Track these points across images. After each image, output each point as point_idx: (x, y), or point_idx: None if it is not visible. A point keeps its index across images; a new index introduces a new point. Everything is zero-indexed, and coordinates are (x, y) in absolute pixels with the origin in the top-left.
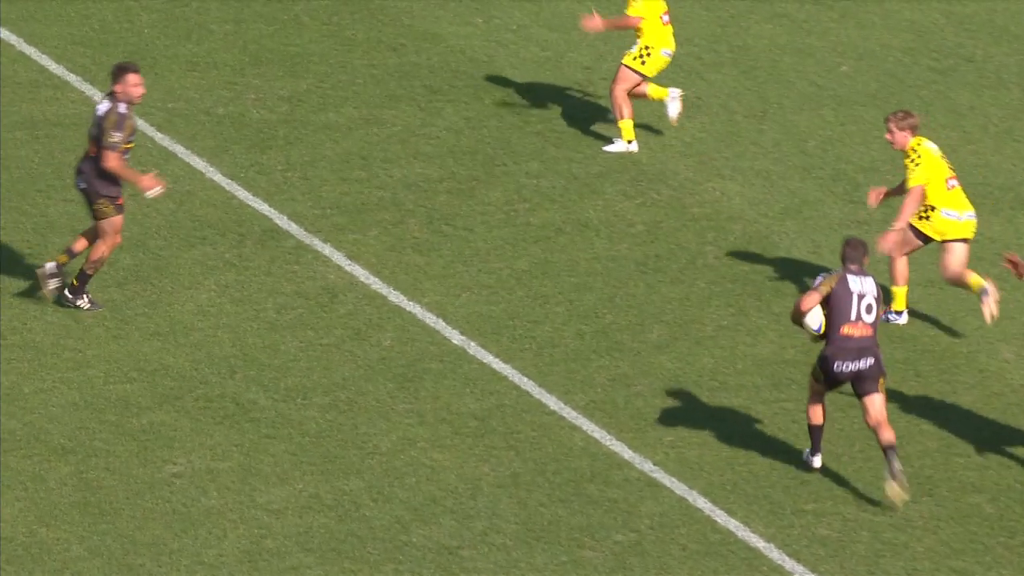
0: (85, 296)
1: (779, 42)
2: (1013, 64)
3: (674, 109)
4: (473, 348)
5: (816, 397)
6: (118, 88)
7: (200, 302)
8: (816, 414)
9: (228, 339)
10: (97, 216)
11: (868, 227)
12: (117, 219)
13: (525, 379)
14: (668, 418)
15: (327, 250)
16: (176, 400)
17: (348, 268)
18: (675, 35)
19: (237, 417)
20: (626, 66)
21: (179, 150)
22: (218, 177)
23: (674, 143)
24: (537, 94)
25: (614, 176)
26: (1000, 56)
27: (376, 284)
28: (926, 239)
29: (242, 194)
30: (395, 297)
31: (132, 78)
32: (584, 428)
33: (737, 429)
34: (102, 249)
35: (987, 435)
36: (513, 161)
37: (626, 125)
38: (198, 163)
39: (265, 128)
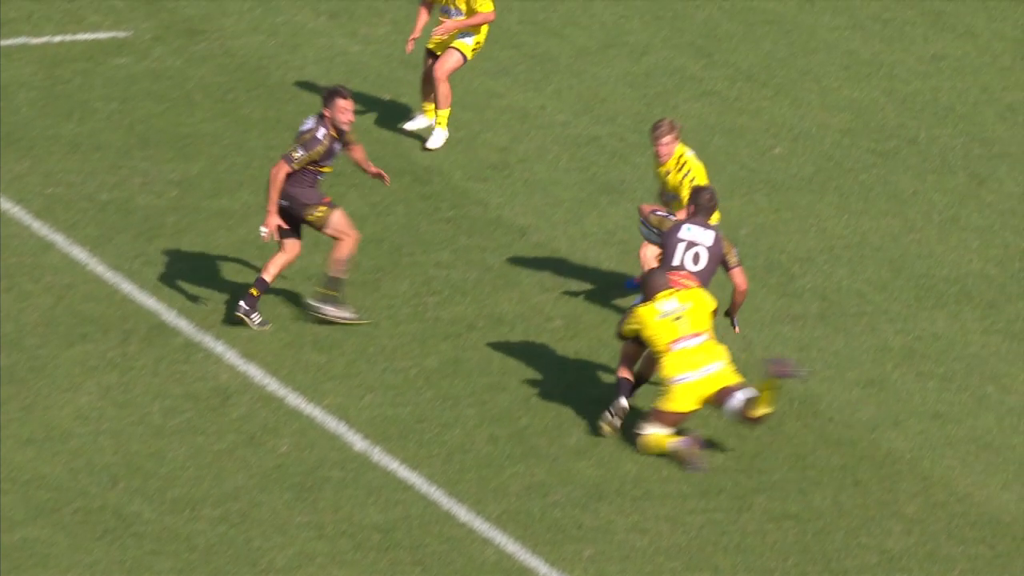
0: (333, 306)
1: (708, 122)
2: (959, 146)
3: (435, 141)
4: (377, 454)
5: (627, 360)
6: (326, 112)
7: (80, 406)
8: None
9: (110, 446)
10: (318, 226)
11: (804, 321)
12: (337, 215)
13: (433, 488)
14: (588, 530)
15: (219, 348)
16: (52, 513)
17: (242, 367)
18: (598, 114)
19: (119, 531)
20: (460, 52)
21: (58, 239)
22: (101, 269)
23: (595, 231)
24: (448, 178)
25: (531, 267)
26: (945, 138)
27: (272, 385)
28: None
29: (127, 287)
30: (293, 399)
31: (340, 103)
32: (497, 541)
33: (663, 542)
34: (345, 249)
35: (930, 548)
36: (422, 250)
37: (446, 114)
38: (79, 254)
39: (153, 215)
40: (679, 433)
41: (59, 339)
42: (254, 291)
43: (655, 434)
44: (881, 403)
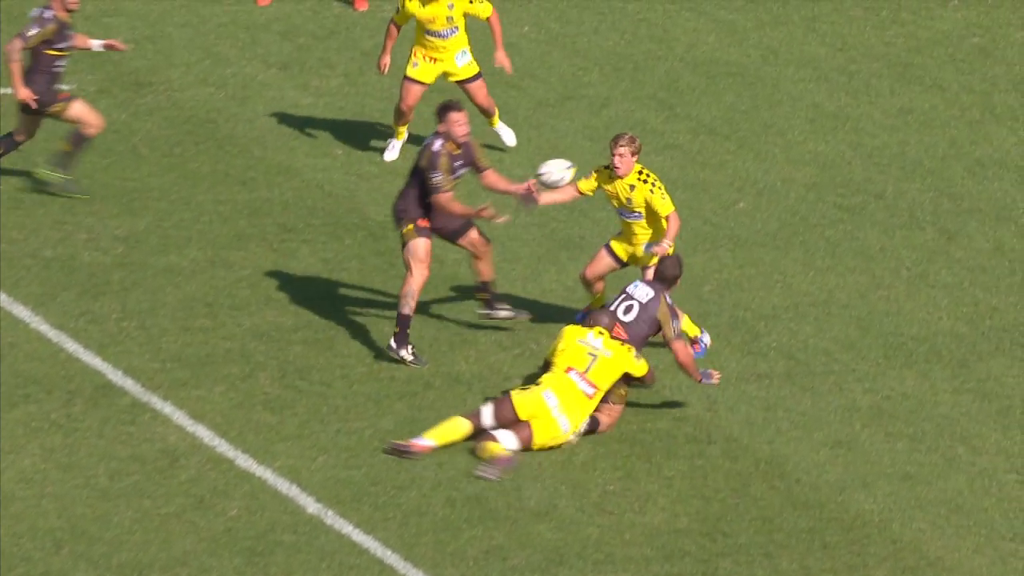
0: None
1: (671, 176)
2: (927, 201)
3: (391, 153)
4: (331, 517)
5: None
6: (441, 128)
7: (22, 468)
8: None
9: (54, 510)
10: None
11: (770, 380)
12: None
13: (389, 552)
14: None
15: (167, 408)
16: None
17: (191, 428)
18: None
19: None
20: (478, 72)
21: (1, 297)
22: (44, 328)
23: (554, 287)
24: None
25: (489, 325)
26: (913, 192)
27: (222, 446)
28: (622, 263)
29: (71, 346)
30: (243, 461)
31: (454, 116)
32: None
33: None
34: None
35: None
36: (376, 309)
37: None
38: (22, 312)
39: (98, 272)
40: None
41: (1, 400)
42: (397, 329)
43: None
44: (849, 464)
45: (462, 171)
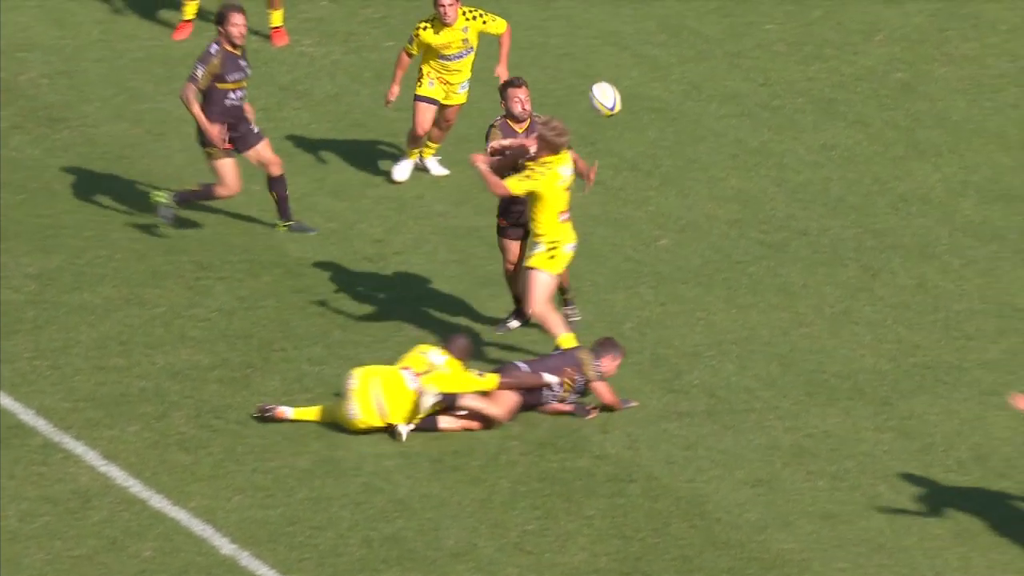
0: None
1: (592, 212)
2: (850, 238)
3: (401, 173)
4: (246, 559)
5: None
6: (503, 104)
7: None
8: None
9: None
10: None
11: (691, 418)
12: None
13: None
14: None
15: (79, 449)
16: None
17: (103, 469)
18: (478, 204)
19: None
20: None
21: None
22: None
23: (475, 325)
24: (321, 269)
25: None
26: (836, 229)
27: (136, 487)
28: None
29: None
30: (157, 501)
31: (511, 92)
32: None
33: None
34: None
35: None
36: (293, 346)
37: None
38: None
39: (10, 311)
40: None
41: None
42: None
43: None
44: (770, 503)
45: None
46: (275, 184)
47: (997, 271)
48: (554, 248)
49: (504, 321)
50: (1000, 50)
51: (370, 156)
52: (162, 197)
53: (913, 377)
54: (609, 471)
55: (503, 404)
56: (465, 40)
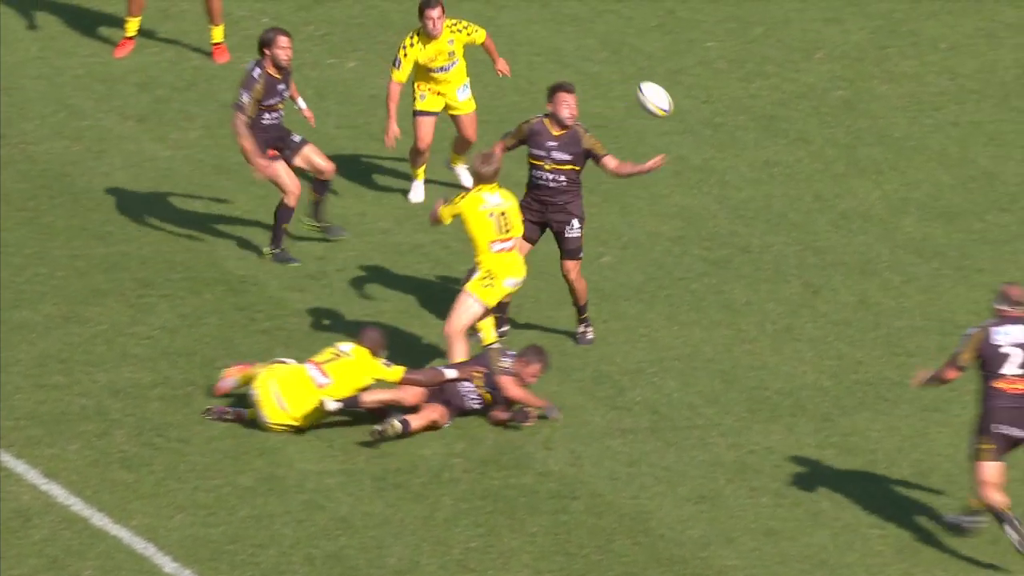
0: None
1: None
2: (792, 255)
3: (416, 195)
4: None
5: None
6: (549, 106)
7: None
8: None
9: None
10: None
11: (634, 435)
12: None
13: None
14: None
15: (20, 467)
16: None
17: (44, 487)
18: (421, 221)
19: None
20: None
21: None
22: None
23: (418, 342)
24: (264, 288)
25: None
26: (778, 246)
27: (77, 505)
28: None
29: None
30: (99, 520)
31: (561, 96)
32: None
33: None
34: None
35: None
36: (236, 363)
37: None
38: None
39: None
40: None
41: None
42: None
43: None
44: (713, 520)
45: (558, 155)
46: (319, 186)
47: (938, 288)
48: (489, 279)
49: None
50: (940, 68)
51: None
52: (267, 254)
53: (855, 394)
54: (552, 488)
55: (412, 396)
56: (451, 53)
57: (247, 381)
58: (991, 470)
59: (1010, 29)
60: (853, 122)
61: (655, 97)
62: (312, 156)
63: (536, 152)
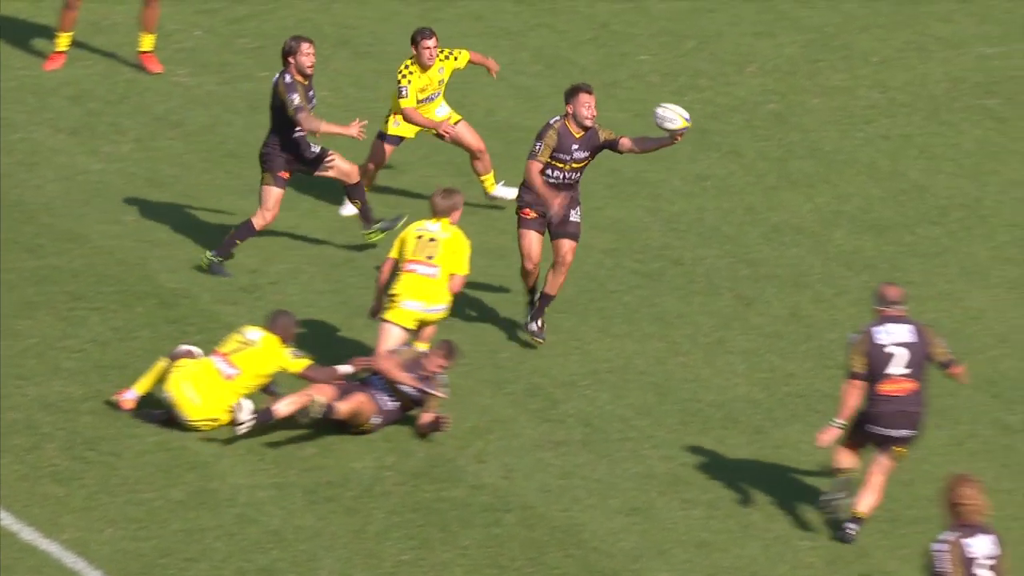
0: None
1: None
2: (724, 267)
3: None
4: None
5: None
6: (568, 108)
7: None
8: None
9: None
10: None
11: (567, 447)
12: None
13: None
14: None
15: None
16: None
17: None
18: (354, 235)
19: None
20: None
21: None
22: None
23: (350, 355)
24: (196, 301)
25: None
26: (711, 258)
27: (6, 519)
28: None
29: None
30: (28, 534)
31: (582, 97)
32: None
33: None
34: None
35: None
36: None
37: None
38: None
39: None
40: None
41: None
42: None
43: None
44: (645, 532)
45: (580, 154)
46: (353, 191)
47: (869, 301)
48: (391, 298)
49: (527, 324)
50: (871, 81)
51: (244, 187)
52: (207, 259)
53: (786, 406)
54: (485, 501)
55: (324, 395)
56: (441, 81)
57: (151, 384)
58: (849, 457)
59: (940, 43)
60: (785, 135)
61: (673, 115)
62: (337, 163)
63: (561, 156)
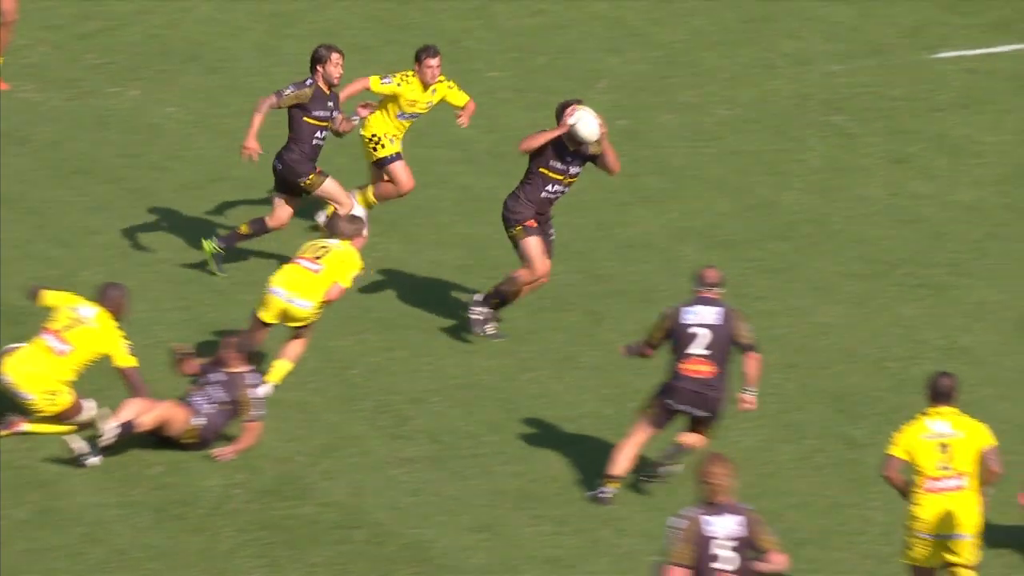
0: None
1: None
2: (575, 283)
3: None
4: None
5: None
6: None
7: None
8: None
9: None
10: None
11: (416, 464)
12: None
13: None
14: None
15: None
16: None
17: None
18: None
19: None
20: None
21: None
22: None
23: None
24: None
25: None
26: (561, 274)
27: None
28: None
29: None
30: None
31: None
32: None
33: None
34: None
35: None
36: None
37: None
38: None
39: None
40: None
41: None
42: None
43: None
44: (494, 548)
45: (574, 168)
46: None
47: None
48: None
49: (481, 327)
50: (720, 97)
51: (91, 204)
52: (213, 247)
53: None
54: (334, 518)
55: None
56: (429, 103)
57: None
58: (643, 433)
59: (787, 59)
60: (635, 151)
61: (587, 123)
62: (337, 188)
63: (558, 167)
